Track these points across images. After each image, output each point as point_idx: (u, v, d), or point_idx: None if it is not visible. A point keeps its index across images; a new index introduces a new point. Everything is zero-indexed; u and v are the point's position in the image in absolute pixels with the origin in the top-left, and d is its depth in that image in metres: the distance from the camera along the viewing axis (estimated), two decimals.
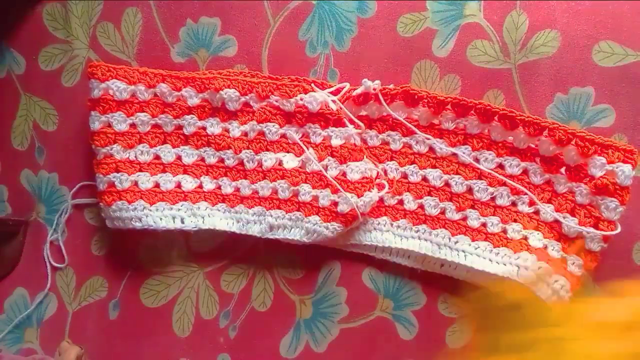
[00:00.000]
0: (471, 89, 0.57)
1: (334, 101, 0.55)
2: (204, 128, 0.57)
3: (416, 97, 0.54)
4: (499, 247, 0.53)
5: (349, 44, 0.58)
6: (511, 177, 0.53)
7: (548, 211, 0.52)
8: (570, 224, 0.51)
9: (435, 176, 0.55)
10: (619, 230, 0.51)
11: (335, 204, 0.54)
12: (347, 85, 0.56)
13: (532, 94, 0.56)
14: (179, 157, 0.58)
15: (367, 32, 0.58)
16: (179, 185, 0.57)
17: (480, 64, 0.57)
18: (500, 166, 0.54)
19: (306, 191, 0.55)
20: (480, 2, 0.57)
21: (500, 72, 0.56)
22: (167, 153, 0.57)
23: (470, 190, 0.54)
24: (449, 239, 0.54)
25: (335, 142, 0.55)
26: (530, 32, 0.56)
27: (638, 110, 0.55)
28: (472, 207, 0.54)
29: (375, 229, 0.56)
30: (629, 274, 0.55)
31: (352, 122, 0.55)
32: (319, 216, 0.54)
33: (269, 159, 0.56)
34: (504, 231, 0.53)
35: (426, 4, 0.57)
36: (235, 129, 0.56)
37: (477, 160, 0.54)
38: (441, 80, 0.57)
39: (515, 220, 0.53)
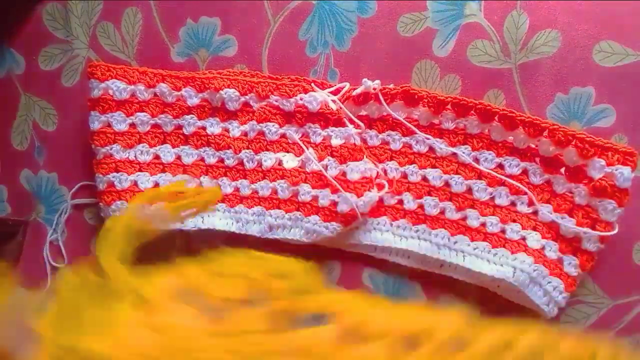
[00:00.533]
0: (471, 89, 0.57)
1: (334, 101, 0.55)
2: (204, 128, 0.57)
3: (416, 97, 0.54)
4: (497, 247, 0.53)
5: (349, 44, 0.58)
6: (511, 177, 0.53)
7: (545, 212, 0.52)
8: (568, 224, 0.51)
9: (435, 176, 0.54)
10: (615, 231, 0.50)
11: (335, 203, 0.54)
12: (347, 85, 0.56)
13: (533, 94, 0.56)
14: (179, 157, 0.58)
15: (367, 31, 0.58)
16: None
17: (480, 63, 0.57)
18: (500, 166, 0.54)
19: (306, 191, 0.55)
20: (480, 2, 0.57)
21: (500, 72, 0.56)
22: (167, 153, 0.57)
23: (469, 190, 0.54)
24: (448, 239, 0.54)
25: (335, 141, 0.55)
26: (530, 32, 0.56)
27: (638, 110, 0.55)
28: (472, 206, 0.54)
29: (375, 229, 0.56)
30: (629, 274, 0.55)
31: (352, 122, 0.55)
32: (319, 216, 0.54)
33: (268, 159, 0.56)
34: (503, 231, 0.53)
35: (426, 4, 0.57)
36: (235, 129, 0.56)
37: (477, 160, 0.54)
38: (441, 80, 0.57)
39: (514, 221, 0.53)
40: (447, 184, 0.54)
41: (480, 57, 0.57)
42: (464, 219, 0.54)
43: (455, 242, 0.54)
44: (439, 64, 0.57)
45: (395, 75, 0.57)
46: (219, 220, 0.57)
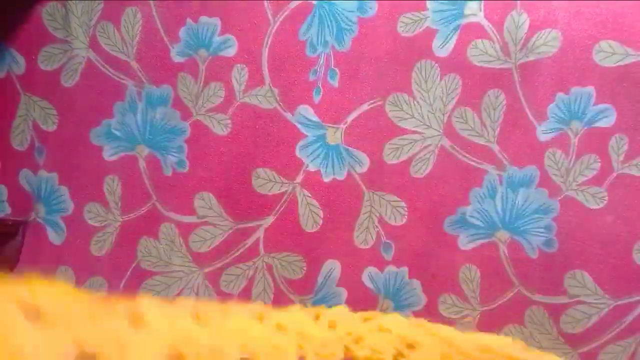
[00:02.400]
0: (471, 89, 0.57)
1: None
2: None
3: None
4: None
5: (349, 44, 0.58)
6: None
7: None
8: None
9: None
10: None
11: None
12: None
13: (533, 94, 0.56)
14: None
15: (367, 31, 0.58)
16: None
17: (480, 63, 0.57)
18: None
19: None
20: (480, 2, 0.57)
21: (500, 72, 0.56)
22: None
23: None
24: None
25: None
26: (530, 32, 0.56)
27: (638, 110, 0.55)
28: None
29: None
30: (629, 274, 0.55)
31: None
32: None
33: None
34: None
35: (426, 4, 0.57)
36: None
37: None
38: (441, 80, 0.57)
39: None
40: None
41: (480, 57, 0.57)
42: None
43: None
44: (439, 63, 0.57)
45: (395, 75, 0.57)
46: None
